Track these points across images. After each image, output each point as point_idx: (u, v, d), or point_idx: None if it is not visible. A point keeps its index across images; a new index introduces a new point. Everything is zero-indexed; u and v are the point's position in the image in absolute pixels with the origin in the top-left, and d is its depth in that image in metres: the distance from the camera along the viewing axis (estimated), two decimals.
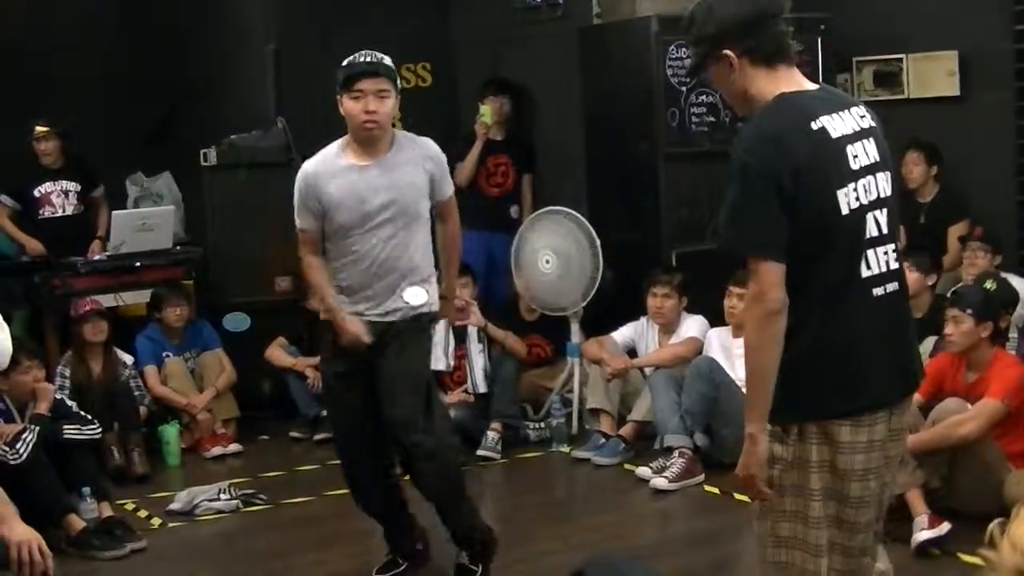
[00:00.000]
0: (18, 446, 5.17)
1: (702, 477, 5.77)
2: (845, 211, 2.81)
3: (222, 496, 5.70)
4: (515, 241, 6.94)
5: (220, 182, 7.45)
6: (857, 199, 2.83)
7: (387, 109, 4.28)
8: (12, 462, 5.10)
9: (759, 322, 2.79)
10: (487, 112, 7.49)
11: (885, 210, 2.89)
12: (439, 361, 6.39)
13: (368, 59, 4.29)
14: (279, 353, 7.14)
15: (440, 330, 6.20)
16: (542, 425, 6.64)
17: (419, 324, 4.41)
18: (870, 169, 2.87)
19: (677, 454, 5.79)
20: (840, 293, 2.84)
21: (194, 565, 5.22)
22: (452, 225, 4.60)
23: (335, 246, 4.39)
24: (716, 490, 5.66)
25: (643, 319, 6.53)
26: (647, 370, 6.35)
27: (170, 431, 6.61)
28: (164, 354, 6.96)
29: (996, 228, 6.52)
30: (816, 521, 2.88)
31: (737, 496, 5.52)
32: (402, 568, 4.69)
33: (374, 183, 4.30)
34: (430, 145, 4.47)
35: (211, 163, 7.42)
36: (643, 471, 5.86)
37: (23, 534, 3.31)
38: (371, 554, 4.86)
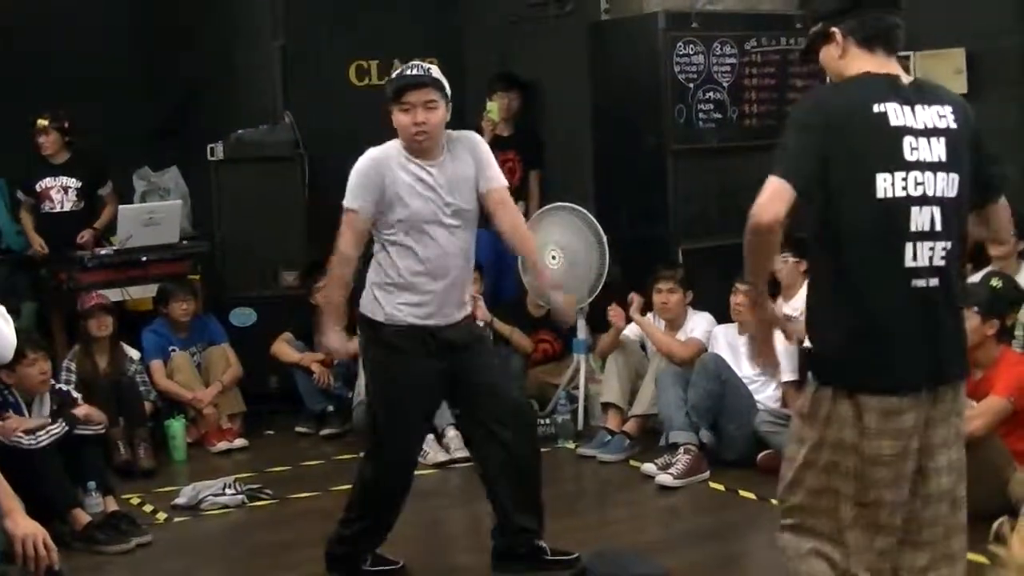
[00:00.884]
0: (40, 435, 5.22)
1: (708, 474, 5.76)
2: (881, 195, 2.93)
3: (228, 491, 5.70)
4: None
5: (227, 177, 7.47)
6: (904, 188, 2.95)
7: (436, 119, 4.28)
8: (28, 446, 5.14)
9: (749, 230, 2.94)
10: (494, 108, 7.47)
11: (939, 208, 2.98)
12: None
13: (414, 71, 4.32)
14: (285, 348, 7.14)
15: None
16: (548, 421, 6.63)
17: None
18: (930, 166, 2.97)
19: (683, 451, 5.78)
20: (880, 277, 2.98)
21: (199, 560, 5.21)
22: (509, 214, 4.56)
23: (394, 239, 4.33)
24: (721, 487, 5.64)
25: (649, 315, 6.53)
26: (651, 367, 6.34)
27: (176, 426, 6.61)
28: (170, 348, 6.95)
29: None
30: (846, 497, 3.01)
31: (742, 493, 5.52)
32: (399, 565, 4.67)
33: (438, 180, 4.32)
34: (470, 137, 4.50)
35: (218, 158, 7.43)
36: (648, 468, 5.86)
37: (28, 528, 3.30)
38: None
